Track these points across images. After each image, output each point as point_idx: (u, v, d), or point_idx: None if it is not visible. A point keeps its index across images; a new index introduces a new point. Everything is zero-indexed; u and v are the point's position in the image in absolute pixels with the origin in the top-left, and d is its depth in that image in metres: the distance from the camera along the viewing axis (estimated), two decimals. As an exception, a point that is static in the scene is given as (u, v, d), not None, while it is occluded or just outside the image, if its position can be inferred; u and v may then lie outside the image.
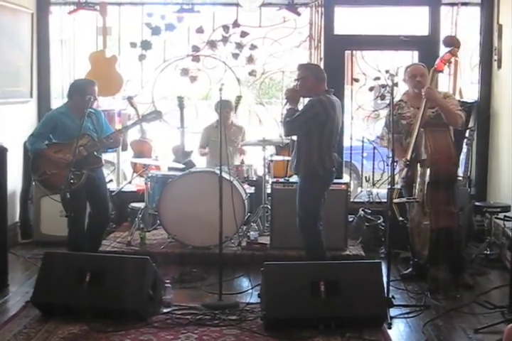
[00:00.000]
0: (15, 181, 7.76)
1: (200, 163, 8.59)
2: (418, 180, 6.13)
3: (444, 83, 8.14)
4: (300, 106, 6.26)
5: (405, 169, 6.21)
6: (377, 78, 8.57)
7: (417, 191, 6.16)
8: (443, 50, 8.08)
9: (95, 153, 6.41)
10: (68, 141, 6.20)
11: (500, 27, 7.84)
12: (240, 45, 8.64)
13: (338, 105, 6.17)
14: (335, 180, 6.51)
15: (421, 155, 6.04)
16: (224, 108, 7.70)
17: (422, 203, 6.03)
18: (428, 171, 5.89)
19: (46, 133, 6.34)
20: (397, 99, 6.42)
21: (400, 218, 6.17)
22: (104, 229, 6.92)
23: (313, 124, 5.99)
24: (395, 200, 6.17)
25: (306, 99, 6.38)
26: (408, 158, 6.10)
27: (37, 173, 6.33)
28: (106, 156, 7.96)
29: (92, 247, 6.53)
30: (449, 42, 6.19)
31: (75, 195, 5.97)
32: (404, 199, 6.24)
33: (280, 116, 8.53)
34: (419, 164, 6.09)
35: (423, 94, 6.00)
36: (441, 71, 6.17)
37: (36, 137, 6.33)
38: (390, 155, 5.76)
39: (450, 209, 5.96)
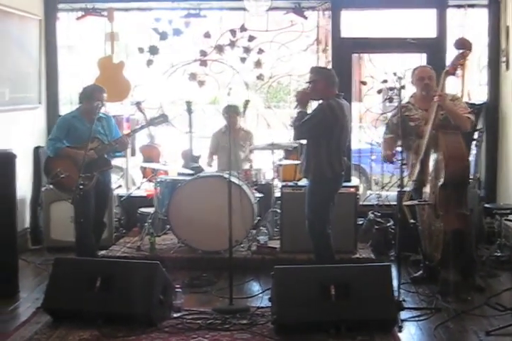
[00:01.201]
0: (24, 187, 7.78)
1: (210, 167, 8.59)
2: (429, 183, 6.12)
3: (452, 85, 8.12)
4: (309, 109, 6.26)
5: (416, 171, 6.20)
6: (385, 81, 8.54)
7: (428, 194, 6.14)
8: (451, 52, 8.12)
9: (105, 156, 6.59)
10: (80, 145, 6.37)
11: (507, 28, 7.83)
12: (247, 49, 8.64)
13: (347, 109, 6.17)
14: (344, 183, 6.51)
15: (433, 157, 6.03)
16: (231, 113, 7.74)
17: (434, 205, 6.01)
18: (442, 173, 5.87)
19: (62, 136, 6.53)
20: (404, 101, 6.41)
21: (412, 220, 6.16)
22: (102, 230, 7.01)
23: (322, 128, 5.98)
24: (406, 203, 6.16)
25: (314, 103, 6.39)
26: (420, 159, 6.12)
27: (50, 176, 6.51)
28: (115, 162, 7.99)
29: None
30: (460, 45, 6.15)
31: (85, 196, 6.11)
32: (415, 202, 6.21)
33: (289, 119, 8.55)
34: (431, 166, 6.07)
35: (435, 99, 5.98)
36: (454, 74, 6.15)
37: (55, 140, 6.52)
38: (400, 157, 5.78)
39: (463, 212, 5.94)
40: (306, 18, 8.49)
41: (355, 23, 8.90)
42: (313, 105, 6.76)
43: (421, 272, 6.57)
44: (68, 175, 6.30)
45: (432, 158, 6.06)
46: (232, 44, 8.66)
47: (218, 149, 8.47)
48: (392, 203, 8.20)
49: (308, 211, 6.18)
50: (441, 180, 5.86)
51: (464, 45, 6.14)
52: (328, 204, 6.16)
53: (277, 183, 7.81)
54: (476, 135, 7.97)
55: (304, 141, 6.51)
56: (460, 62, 6.10)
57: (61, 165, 6.40)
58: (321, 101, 6.19)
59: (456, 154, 5.88)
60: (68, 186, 6.28)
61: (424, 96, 6.25)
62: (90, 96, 6.52)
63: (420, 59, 8.47)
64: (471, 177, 7.58)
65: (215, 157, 8.56)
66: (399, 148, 6.09)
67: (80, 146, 6.37)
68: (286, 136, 8.67)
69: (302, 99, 6.17)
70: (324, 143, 6.03)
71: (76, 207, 6.16)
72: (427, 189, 6.15)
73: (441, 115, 6.13)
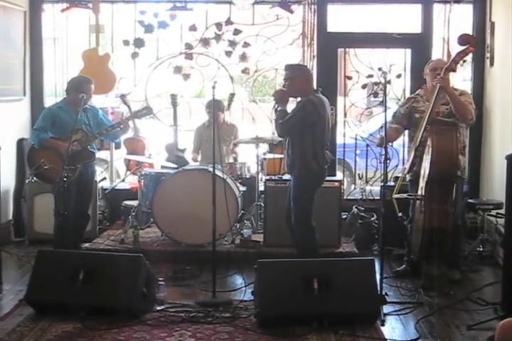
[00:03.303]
0: (8, 179, 7.75)
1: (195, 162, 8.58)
2: (421, 176, 6.09)
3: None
4: (290, 107, 6.26)
5: (409, 162, 6.22)
6: (370, 76, 8.57)
7: (420, 188, 6.12)
8: (436, 48, 8.16)
9: (89, 148, 6.61)
10: (64, 136, 6.39)
11: (492, 24, 7.85)
12: (233, 43, 8.63)
13: (327, 104, 6.19)
14: (328, 178, 6.52)
15: (425, 151, 6.02)
16: (214, 108, 7.70)
17: (421, 200, 6.00)
18: (428, 169, 5.86)
19: (47, 127, 6.52)
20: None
21: (400, 214, 6.16)
22: (85, 223, 7.04)
23: (306, 124, 6.00)
24: (396, 196, 6.17)
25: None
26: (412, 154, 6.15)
27: (33, 167, 6.50)
28: (100, 154, 7.99)
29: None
30: (464, 41, 6.11)
31: (67, 189, 6.09)
32: (404, 195, 6.22)
33: (271, 115, 8.56)
34: (424, 160, 6.06)
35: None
36: (455, 70, 6.14)
37: (39, 130, 6.52)
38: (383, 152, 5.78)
39: (445, 209, 5.87)
40: (292, 12, 8.46)
41: (341, 18, 8.91)
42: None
43: (404, 266, 6.59)
44: (51, 167, 6.32)
45: (426, 151, 6.03)
46: (217, 37, 8.64)
47: (202, 143, 8.45)
48: (376, 198, 8.24)
49: (294, 205, 6.17)
50: (427, 176, 5.85)
51: (468, 41, 6.09)
52: (313, 198, 6.17)
53: (261, 177, 7.80)
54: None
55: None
56: (462, 58, 6.09)
57: (45, 156, 6.41)
58: (299, 99, 6.20)
59: (444, 151, 5.81)
60: (51, 178, 6.35)
61: (433, 88, 6.24)
62: (78, 87, 6.52)
63: (405, 54, 8.49)
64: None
65: (200, 152, 8.53)
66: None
67: (64, 138, 6.39)
68: (271, 129, 8.67)
69: (281, 97, 6.18)
70: (308, 138, 6.04)
71: (57, 199, 6.22)
72: (420, 182, 6.12)
73: (447, 109, 6.14)
